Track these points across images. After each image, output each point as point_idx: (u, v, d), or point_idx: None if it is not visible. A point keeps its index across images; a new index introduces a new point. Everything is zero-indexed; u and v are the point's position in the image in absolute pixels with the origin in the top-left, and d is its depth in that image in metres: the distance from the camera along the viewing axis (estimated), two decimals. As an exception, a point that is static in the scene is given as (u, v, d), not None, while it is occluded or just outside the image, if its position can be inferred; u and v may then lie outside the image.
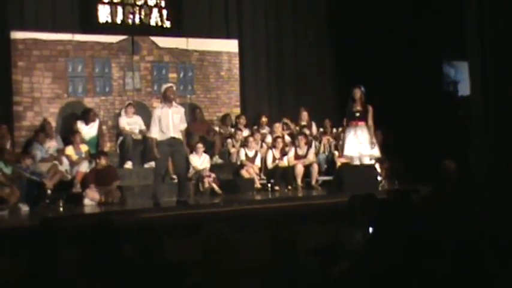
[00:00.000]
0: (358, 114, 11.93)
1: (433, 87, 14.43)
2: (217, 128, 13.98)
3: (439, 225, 5.23)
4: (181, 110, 10.66)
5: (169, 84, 10.83)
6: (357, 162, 12.11)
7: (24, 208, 10.38)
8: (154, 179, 10.70)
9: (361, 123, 11.93)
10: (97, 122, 12.97)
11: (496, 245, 4.36)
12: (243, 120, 14.23)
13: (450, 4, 13.04)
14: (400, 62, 14.21)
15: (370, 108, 11.95)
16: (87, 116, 12.86)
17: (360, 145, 11.92)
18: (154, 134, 10.36)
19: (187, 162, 12.32)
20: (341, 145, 12.61)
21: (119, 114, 13.34)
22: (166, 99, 10.45)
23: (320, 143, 14.05)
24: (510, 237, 4.61)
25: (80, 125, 12.72)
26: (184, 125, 10.64)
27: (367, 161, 12.11)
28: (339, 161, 13.22)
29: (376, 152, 12.15)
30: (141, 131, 12.95)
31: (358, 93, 12.01)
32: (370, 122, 11.94)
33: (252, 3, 15.49)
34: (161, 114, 10.35)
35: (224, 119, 14.27)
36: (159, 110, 10.47)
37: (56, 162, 11.61)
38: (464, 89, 14.30)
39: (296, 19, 15.87)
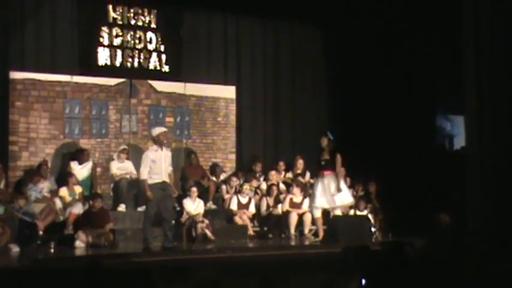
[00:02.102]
0: (323, 163, 11.88)
1: (428, 140, 14.48)
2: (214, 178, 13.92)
3: (433, 278, 5.20)
4: (169, 153, 10.95)
5: (163, 129, 10.98)
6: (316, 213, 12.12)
7: (15, 249, 10.30)
8: (145, 222, 10.70)
9: (328, 173, 11.87)
10: (90, 162, 12.95)
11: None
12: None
13: (448, 59, 13.16)
14: (396, 114, 14.27)
15: (339, 157, 11.86)
16: (80, 156, 12.86)
17: (330, 196, 11.86)
18: (144, 175, 10.48)
19: (181, 207, 12.33)
20: (311, 196, 12.47)
21: (112, 159, 13.31)
22: (160, 143, 10.61)
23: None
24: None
25: (73, 165, 12.69)
26: (171, 168, 10.89)
27: (338, 212, 12.01)
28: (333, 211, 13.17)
29: (348, 199, 12.08)
30: (131, 176, 12.91)
31: (325, 141, 11.96)
32: (338, 169, 11.86)
33: (251, 51, 15.60)
34: (155, 157, 10.49)
35: (214, 170, 14.14)
36: (152, 153, 10.59)
37: (50, 204, 11.56)
38: (459, 143, 14.34)
39: (294, 67, 15.97)
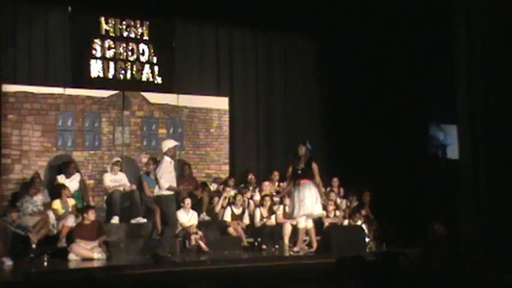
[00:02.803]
0: (300, 172, 11.83)
1: (422, 149, 14.50)
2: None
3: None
4: None
5: (175, 143, 11.18)
6: (301, 223, 11.91)
7: (8, 262, 10.23)
8: (169, 233, 10.95)
9: (304, 181, 11.74)
10: (78, 175, 12.88)
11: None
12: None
13: (441, 69, 13.19)
14: (390, 124, 14.30)
15: (315, 166, 11.80)
16: (66, 169, 12.79)
17: (303, 204, 11.70)
18: (166, 184, 10.80)
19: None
20: (290, 205, 12.27)
21: (105, 171, 13.26)
22: (173, 156, 10.98)
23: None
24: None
25: (60, 179, 12.62)
26: None
27: (302, 223, 11.88)
28: (327, 221, 13.18)
29: (318, 210, 11.92)
30: (124, 189, 12.87)
31: (302, 150, 11.89)
32: (317, 178, 11.81)
33: (243, 62, 15.64)
34: (172, 170, 10.90)
35: (204, 186, 14.00)
36: (168, 165, 10.86)
37: (44, 217, 11.51)
38: (453, 152, 14.37)
39: (286, 78, 16.00)
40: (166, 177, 10.74)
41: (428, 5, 13.14)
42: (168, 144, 11.02)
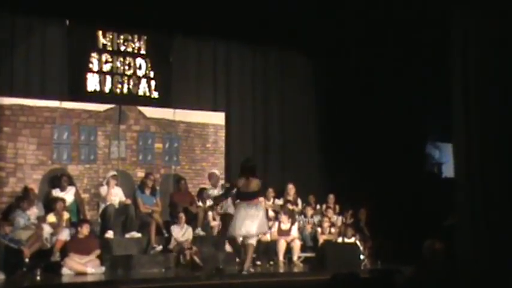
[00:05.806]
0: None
1: (418, 167, 14.51)
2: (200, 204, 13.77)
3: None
4: None
5: None
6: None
7: (1, 276, 10.20)
8: None
9: None
10: (72, 187, 12.83)
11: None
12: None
13: (437, 86, 13.21)
14: (385, 142, 14.32)
15: None
16: (59, 182, 12.75)
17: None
18: None
19: (169, 234, 12.27)
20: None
21: (101, 184, 13.21)
22: None
23: (306, 217, 13.97)
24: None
25: (55, 193, 12.57)
26: None
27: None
28: (322, 238, 13.16)
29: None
30: (120, 203, 12.82)
31: None
32: None
33: (240, 77, 15.65)
34: None
35: (200, 194, 13.96)
36: None
37: (38, 230, 11.45)
38: (448, 170, 14.37)
39: (283, 94, 16.00)
40: None
41: (425, 23, 13.17)
42: None
